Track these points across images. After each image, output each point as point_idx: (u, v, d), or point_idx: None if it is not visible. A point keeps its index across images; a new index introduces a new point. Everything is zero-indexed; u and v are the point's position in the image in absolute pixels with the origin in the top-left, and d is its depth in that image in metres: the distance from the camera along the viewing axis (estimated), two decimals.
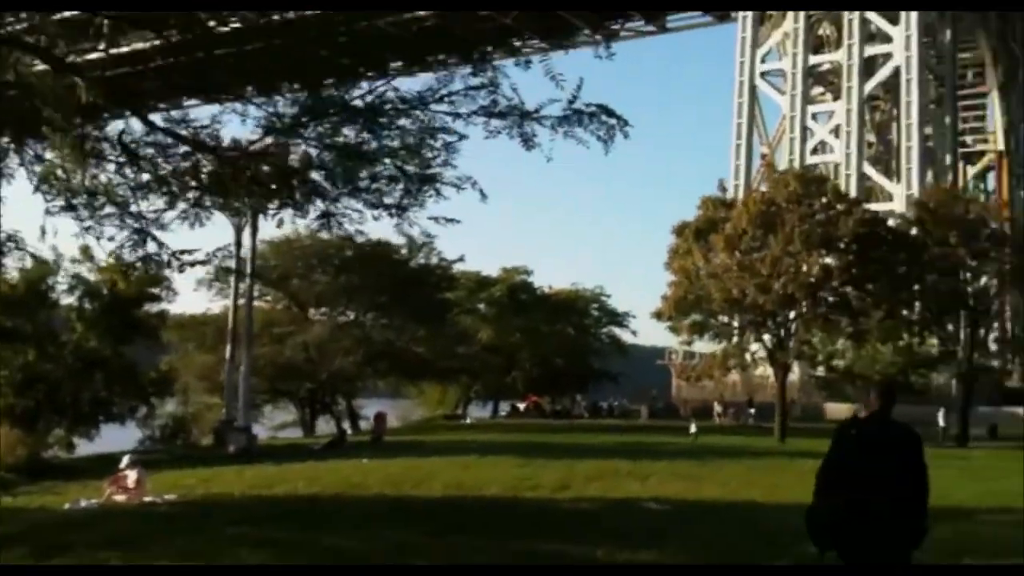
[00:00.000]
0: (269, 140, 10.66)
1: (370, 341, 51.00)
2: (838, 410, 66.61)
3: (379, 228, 60.95)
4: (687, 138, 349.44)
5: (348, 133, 10.57)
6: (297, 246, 49.93)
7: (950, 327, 40.01)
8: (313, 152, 10.82)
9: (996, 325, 43.25)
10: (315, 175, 10.97)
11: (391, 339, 52.31)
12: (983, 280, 38.25)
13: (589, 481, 19.24)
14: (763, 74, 75.41)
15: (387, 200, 10.80)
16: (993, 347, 54.51)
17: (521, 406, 69.02)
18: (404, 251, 52.36)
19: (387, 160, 10.57)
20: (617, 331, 71.89)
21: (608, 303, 71.40)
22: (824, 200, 34.30)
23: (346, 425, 51.92)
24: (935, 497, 17.52)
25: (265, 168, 11.00)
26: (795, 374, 55.35)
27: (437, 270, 53.30)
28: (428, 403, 73.08)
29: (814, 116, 76.68)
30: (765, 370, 44.57)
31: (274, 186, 11.23)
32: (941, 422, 38.09)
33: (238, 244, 35.41)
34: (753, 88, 75.77)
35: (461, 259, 55.08)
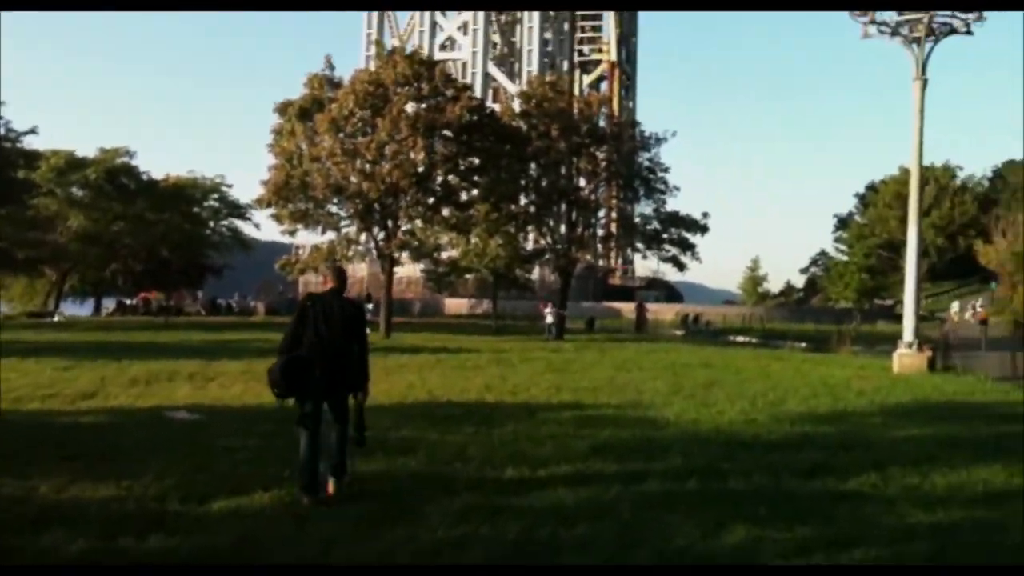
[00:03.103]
0: None
1: None
2: (457, 305, 68.25)
3: None
4: (316, 24, 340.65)
5: None
6: None
7: (557, 224, 40.69)
8: None
9: (602, 223, 44.87)
10: None
11: None
12: (584, 177, 39.17)
13: (131, 386, 16.42)
14: None
15: None
16: (599, 248, 57.71)
17: (129, 302, 63.53)
18: None
19: None
20: (240, 224, 67.96)
21: (229, 194, 66.96)
22: (433, 84, 32.70)
23: None
24: (505, 394, 16.37)
25: None
26: (415, 270, 55.14)
27: (5, 143, 45.24)
28: (14, 299, 64.91)
29: (443, 11, 76.30)
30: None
31: None
32: (549, 318, 38.74)
33: None
34: None
35: (34, 131, 46.94)
